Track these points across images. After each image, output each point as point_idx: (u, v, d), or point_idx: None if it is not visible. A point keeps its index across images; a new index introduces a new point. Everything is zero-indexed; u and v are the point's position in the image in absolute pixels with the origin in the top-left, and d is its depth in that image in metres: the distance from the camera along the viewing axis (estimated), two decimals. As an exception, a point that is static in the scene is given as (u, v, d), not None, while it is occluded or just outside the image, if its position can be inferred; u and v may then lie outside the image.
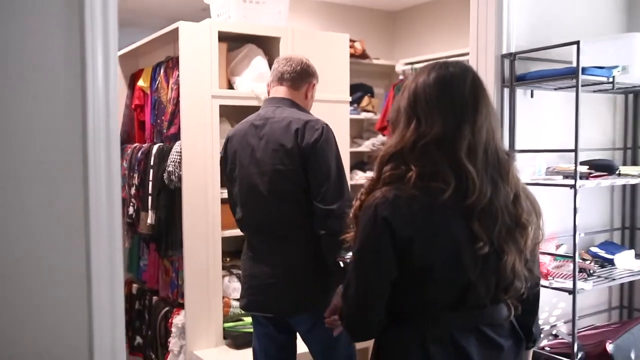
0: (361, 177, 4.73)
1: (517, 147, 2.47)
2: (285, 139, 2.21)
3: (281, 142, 2.22)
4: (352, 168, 4.58)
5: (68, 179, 1.47)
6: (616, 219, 2.97)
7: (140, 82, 3.63)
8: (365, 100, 4.83)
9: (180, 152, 3.21)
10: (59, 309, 1.47)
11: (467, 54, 4.54)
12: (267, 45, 3.52)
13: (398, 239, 1.41)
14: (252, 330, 3.41)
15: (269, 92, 2.51)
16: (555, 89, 2.60)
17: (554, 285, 2.33)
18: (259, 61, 3.45)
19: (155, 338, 3.50)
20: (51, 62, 1.43)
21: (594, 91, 2.65)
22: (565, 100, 2.71)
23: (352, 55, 4.16)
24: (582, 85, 2.29)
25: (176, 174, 3.22)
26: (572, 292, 2.22)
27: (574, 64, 2.49)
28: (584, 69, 2.27)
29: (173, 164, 3.24)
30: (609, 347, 2.33)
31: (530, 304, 1.65)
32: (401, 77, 4.99)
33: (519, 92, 2.53)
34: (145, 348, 3.62)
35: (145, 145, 3.58)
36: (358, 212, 1.51)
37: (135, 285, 3.87)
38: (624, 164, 2.89)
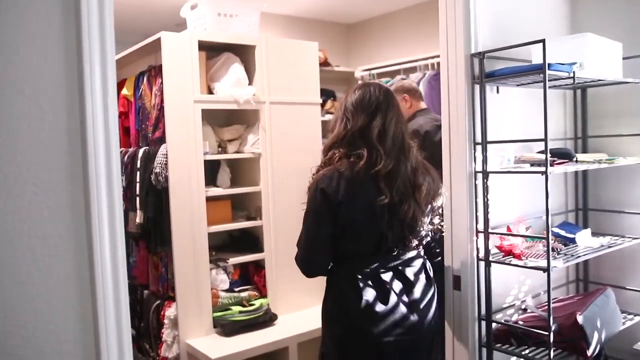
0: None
1: (489, 138, 2.32)
2: None
3: None
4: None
5: (69, 185, 1.25)
6: (570, 201, 2.87)
7: (124, 91, 3.37)
8: (329, 104, 4.66)
9: (166, 155, 2.98)
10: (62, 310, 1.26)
11: (412, 61, 4.49)
12: (243, 53, 3.33)
13: (332, 203, 1.80)
14: (239, 319, 3.19)
15: (412, 105, 3.41)
16: (518, 85, 2.47)
17: (529, 265, 2.18)
18: (236, 68, 3.27)
19: (148, 330, 3.25)
20: (50, 70, 1.22)
21: (549, 87, 2.53)
22: (526, 95, 2.59)
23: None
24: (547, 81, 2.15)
25: (163, 175, 2.99)
26: (547, 270, 2.07)
27: (534, 62, 2.37)
28: (549, 65, 2.13)
29: (160, 165, 3.01)
30: (579, 318, 2.21)
31: (439, 245, 2.36)
32: (360, 82, 4.82)
33: (487, 88, 2.38)
34: (138, 339, 3.37)
35: (131, 150, 3.32)
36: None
37: (126, 282, 3.62)
38: (576, 151, 2.78)
